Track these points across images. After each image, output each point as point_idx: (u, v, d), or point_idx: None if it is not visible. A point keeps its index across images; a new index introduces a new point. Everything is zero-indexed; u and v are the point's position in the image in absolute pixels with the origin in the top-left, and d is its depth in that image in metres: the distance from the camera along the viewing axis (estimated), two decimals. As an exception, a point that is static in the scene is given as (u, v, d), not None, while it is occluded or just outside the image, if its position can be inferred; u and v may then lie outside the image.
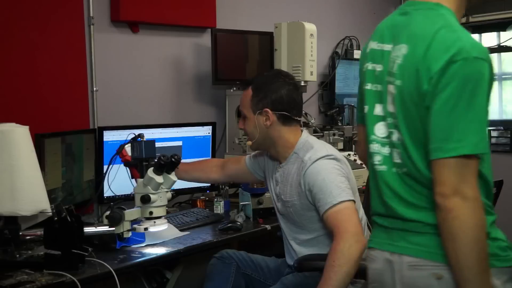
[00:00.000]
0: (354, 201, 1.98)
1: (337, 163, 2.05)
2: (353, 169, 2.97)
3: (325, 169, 2.01)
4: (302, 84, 3.32)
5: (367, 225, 2.23)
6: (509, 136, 4.86)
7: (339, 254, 1.84)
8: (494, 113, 5.10)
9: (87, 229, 2.12)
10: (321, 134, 3.23)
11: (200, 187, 3.06)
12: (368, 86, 1.52)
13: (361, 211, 2.18)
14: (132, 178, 2.24)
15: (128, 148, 2.25)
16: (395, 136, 1.43)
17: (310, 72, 3.31)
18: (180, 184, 2.71)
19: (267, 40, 3.42)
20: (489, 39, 5.20)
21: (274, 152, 2.20)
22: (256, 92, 2.14)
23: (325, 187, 1.97)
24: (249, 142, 2.22)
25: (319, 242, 2.11)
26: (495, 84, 5.21)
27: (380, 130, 1.48)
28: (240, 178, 2.57)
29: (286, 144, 2.14)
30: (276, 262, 2.36)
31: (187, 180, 2.60)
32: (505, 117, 5.11)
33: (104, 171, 2.47)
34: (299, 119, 2.17)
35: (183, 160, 2.31)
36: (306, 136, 2.16)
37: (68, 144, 2.50)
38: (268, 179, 2.30)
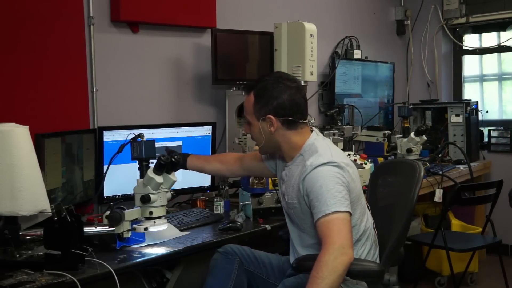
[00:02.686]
0: (349, 212, 1.95)
1: (339, 170, 2.01)
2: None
3: (324, 176, 1.98)
4: (302, 84, 3.33)
5: (374, 228, 2.22)
6: (509, 136, 4.86)
7: (322, 266, 1.83)
8: (494, 113, 5.10)
9: (87, 229, 2.12)
10: (321, 134, 3.22)
11: (200, 187, 3.06)
12: None
13: (367, 215, 2.17)
14: None
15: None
16: None
17: (310, 72, 3.31)
18: (180, 184, 2.72)
19: (267, 40, 3.42)
20: (489, 39, 5.20)
21: (281, 153, 2.20)
22: (258, 99, 2.12)
23: (321, 195, 1.95)
24: (256, 147, 2.22)
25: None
26: (495, 84, 5.24)
27: None
28: (257, 173, 2.54)
29: (293, 146, 2.13)
30: (280, 260, 2.35)
31: (206, 171, 2.56)
32: (505, 117, 5.11)
33: (104, 171, 2.47)
34: (305, 121, 2.14)
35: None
36: (314, 138, 2.14)
37: (68, 144, 2.50)
38: (278, 176, 2.30)
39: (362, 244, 2.12)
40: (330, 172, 1.99)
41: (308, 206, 2.02)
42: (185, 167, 2.44)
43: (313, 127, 2.21)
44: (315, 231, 2.02)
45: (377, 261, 2.19)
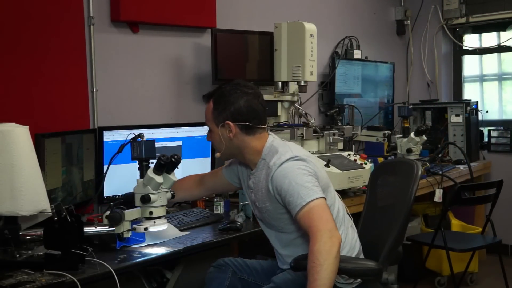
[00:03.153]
0: (323, 197, 1.99)
1: (303, 163, 2.06)
2: (353, 169, 3.01)
3: (291, 171, 2.03)
4: (302, 84, 3.33)
5: (348, 213, 2.27)
6: (509, 136, 4.87)
7: (317, 254, 1.86)
8: (494, 113, 5.10)
9: (87, 229, 2.12)
10: (321, 134, 3.23)
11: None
12: None
13: (337, 203, 2.21)
14: None
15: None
16: None
17: (310, 72, 3.31)
18: (180, 184, 2.71)
19: (267, 40, 3.41)
20: (489, 39, 5.20)
21: (244, 160, 2.24)
22: (216, 106, 2.17)
23: (292, 190, 1.99)
24: (218, 154, 2.26)
25: (302, 242, 2.12)
26: (495, 84, 5.25)
27: None
28: (221, 190, 2.62)
29: (253, 151, 2.17)
30: (271, 264, 2.38)
31: (177, 201, 2.69)
32: (505, 117, 5.11)
33: (104, 171, 2.47)
34: (262, 126, 2.18)
35: (184, 160, 2.30)
36: (271, 140, 2.18)
37: (68, 144, 2.50)
38: (244, 187, 2.34)
39: (338, 228, 2.12)
40: (294, 167, 2.04)
41: (282, 204, 2.06)
42: None
43: (269, 132, 2.25)
44: (293, 226, 2.08)
45: (357, 244, 2.22)
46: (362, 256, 2.24)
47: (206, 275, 2.37)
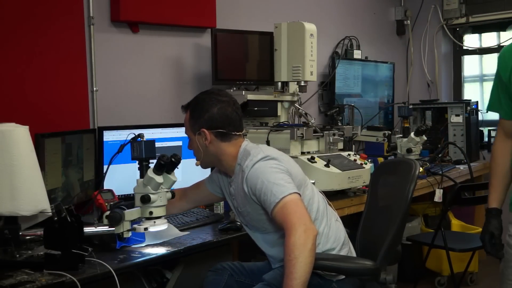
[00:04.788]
0: (296, 193, 2.00)
1: (274, 161, 2.08)
2: (353, 169, 3.01)
3: (262, 171, 2.05)
4: (302, 84, 3.33)
5: (332, 207, 2.30)
6: (509, 136, 4.85)
7: (292, 248, 1.88)
8: (494, 113, 5.08)
9: (87, 229, 2.12)
10: (321, 134, 3.23)
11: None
12: None
13: (317, 198, 2.22)
14: None
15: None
16: None
17: (310, 72, 3.31)
18: (180, 184, 2.71)
19: (267, 40, 3.42)
20: (489, 39, 5.20)
21: (223, 167, 2.26)
22: (191, 114, 2.21)
23: (265, 189, 2.01)
24: (197, 163, 2.28)
25: None
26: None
27: None
28: (205, 201, 2.61)
29: (229, 158, 2.20)
30: (268, 266, 2.38)
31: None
32: (505, 117, 5.10)
33: (104, 171, 2.47)
34: (238, 133, 2.21)
35: (184, 160, 2.30)
36: (244, 145, 2.21)
37: (68, 144, 2.50)
38: (226, 195, 2.35)
39: (319, 222, 2.17)
40: (266, 166, 2.06)
41: (259, 204, 2.08)
42: None
43: (244, 138, 2.28)
44: (275, 225, 2.09)
45: (341, 236, 2.23)
46: (351, 249, 2.27)
47: (204, 280, 2.39)
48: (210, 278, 2.37)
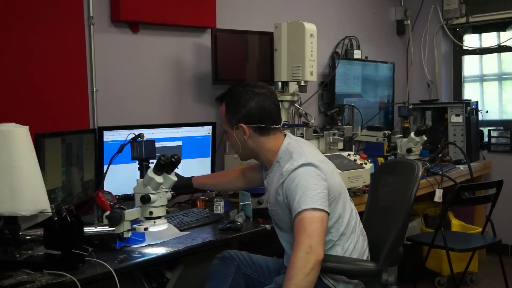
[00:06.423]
0: (323, 210, 1.95)
1: (314, 169, 2.03)
2: (353, 169, 3.01)
3: (300, 177, 2.01)
4: (302, 84, 3.33)
5: (360, 222, 2.24)
6: (509, 136, 4.87)
7: (290, 267, 1.87)
8: (494, 113, 5.10)
9: (87, 229, 2.12)
10: (321, 134, 3.23)
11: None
12: None
13: (348, 212, 2.17)
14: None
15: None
16: None
17: (310, 72, 3.31)
18: (180, 184, 2.71)
19: (267, 40, 3.42)
20: (489, 39, 5.20)
21: (260, 160, 2.25)
22: (228, 108, 2.18)
23: (295, 194, 1.98)
24: (236, 155, 2.27)
25: None
26: (495, 84, 5.24)
27: None
28: (257, 184, 2.58)
29: (268, 153, 2.18)
30: (277, 263, 2.38)
31: (213, 188, 2.79)
32: (505, 117, 5.11)
33: (104, 171, 2.47)
34: (277, 126, 2.17)
35: (184, 160, 2.32)
36: (287, 142, 2.17)
37: (68, 144, 2.50)
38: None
39: (346, 238, 2.14)
40: (305, 173, 2.02)
41: (288, 208, 2.06)
42: (191, 187, 2.60)
43: (285, 132, 2.25)
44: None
45: (366, 253, 2.21)
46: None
47: (210, 267, 2.37)
48: (217, 267, 2.35)
